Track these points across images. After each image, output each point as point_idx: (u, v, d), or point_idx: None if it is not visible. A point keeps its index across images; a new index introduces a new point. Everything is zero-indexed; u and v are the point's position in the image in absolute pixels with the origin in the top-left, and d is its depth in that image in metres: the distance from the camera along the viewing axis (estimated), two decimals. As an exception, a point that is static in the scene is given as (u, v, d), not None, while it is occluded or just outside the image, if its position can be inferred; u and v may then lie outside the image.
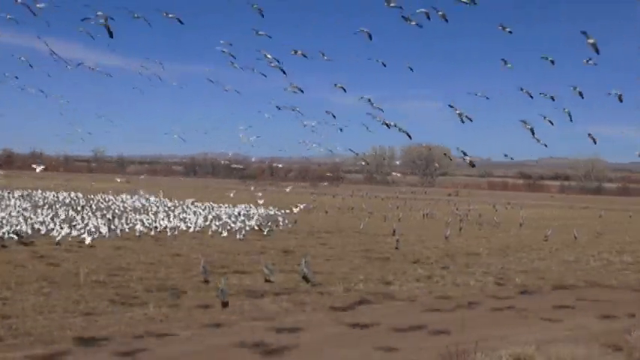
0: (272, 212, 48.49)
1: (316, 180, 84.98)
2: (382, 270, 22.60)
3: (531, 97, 16.41)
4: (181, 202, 52.37)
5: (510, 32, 14.41)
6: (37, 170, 27.17)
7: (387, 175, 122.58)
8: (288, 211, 49.14)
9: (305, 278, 19.12)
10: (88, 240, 25.78)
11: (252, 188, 61.94)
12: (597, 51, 13.74)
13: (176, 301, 15.73)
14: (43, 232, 28.70)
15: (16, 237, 26.06)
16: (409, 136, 17.89)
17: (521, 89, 16.40)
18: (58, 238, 26.07)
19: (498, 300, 18.08)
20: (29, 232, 27.81)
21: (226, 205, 51.75)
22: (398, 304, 16.97)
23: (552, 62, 15.34)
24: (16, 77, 19.16)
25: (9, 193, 53.35)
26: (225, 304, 15.41)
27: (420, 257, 26.74)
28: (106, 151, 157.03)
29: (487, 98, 18.33)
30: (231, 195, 55.10)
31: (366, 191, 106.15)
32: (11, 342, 11.83)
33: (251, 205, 52.22)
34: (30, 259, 21.83)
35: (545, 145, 17.95)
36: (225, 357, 11.68)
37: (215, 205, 51.18)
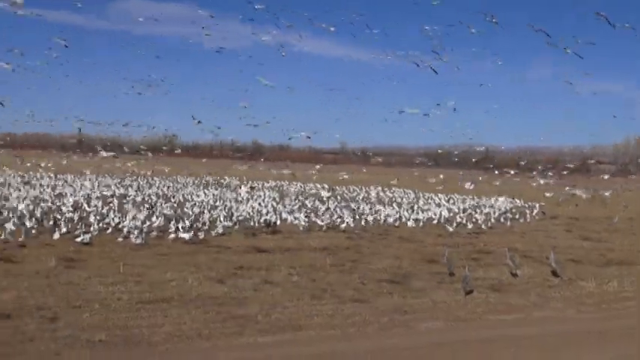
0: (519, 204, 46.96)
1: (564, 171, 79.80)
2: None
3: None
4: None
5: None
6: (345, 176, 29.71)
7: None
8: (532, 202, 47.11)
9: (554, 272, 18.65)
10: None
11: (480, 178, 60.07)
12: None
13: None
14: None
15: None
16: None
17: None
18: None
19: None
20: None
21: (468, 197, 51.26)
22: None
23: None
24: None
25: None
26: (468, 293, 15.62)
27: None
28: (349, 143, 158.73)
29: None
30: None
31: (620, 184, 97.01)
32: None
33: (496, 196, 50.98)
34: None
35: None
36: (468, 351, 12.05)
37: (459, 197, 50.85)
